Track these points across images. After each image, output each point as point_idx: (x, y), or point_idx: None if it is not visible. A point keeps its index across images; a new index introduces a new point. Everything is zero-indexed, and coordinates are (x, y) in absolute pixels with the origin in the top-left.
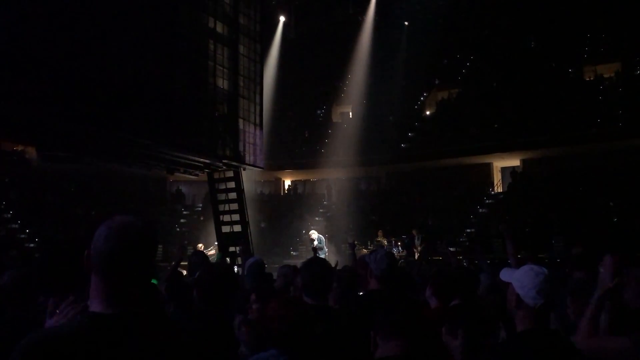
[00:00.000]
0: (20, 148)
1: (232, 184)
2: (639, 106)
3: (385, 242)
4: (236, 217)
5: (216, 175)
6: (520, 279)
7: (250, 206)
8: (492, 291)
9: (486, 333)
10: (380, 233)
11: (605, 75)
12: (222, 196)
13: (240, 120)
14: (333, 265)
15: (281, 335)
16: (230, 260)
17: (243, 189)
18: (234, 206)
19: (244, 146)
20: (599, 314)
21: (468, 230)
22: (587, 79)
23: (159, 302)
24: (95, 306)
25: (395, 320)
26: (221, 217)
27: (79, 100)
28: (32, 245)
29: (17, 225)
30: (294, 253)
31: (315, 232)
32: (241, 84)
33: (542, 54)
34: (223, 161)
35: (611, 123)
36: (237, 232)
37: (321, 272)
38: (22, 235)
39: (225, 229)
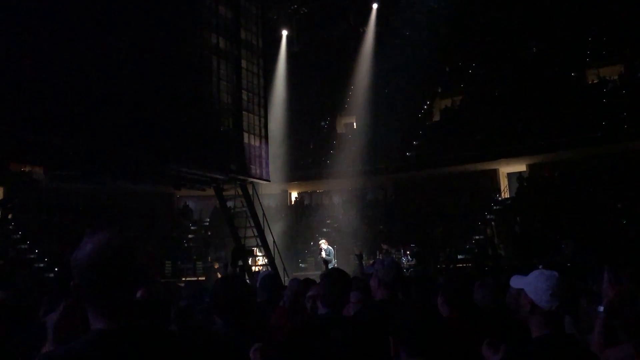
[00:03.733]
0: (27, 169)
1: (243, 196)
2: None
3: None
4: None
5: (226, 190)
6: (533, 283)
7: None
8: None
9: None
10: (384, 246)
11: (609, 78)
12: (242, 218)
13: (245, 134)
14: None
15: (285, 346)
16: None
17: (260, 204)
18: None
19: (250, 159)
20: (609, 326)
21: (476, 237)
22: (591, 83)
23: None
24: (96, 324)
25: (422, 339)
26: (243, 240)
27: (84, 120)
28: (41, 265)
29: (26, 246)
30: (302, 265)
31: (325, 243)
32: (245, 98)
33: (544, 59)
34: (229, 175)
35: (616, 125)
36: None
37: (337, 283)
38: (32, 255)
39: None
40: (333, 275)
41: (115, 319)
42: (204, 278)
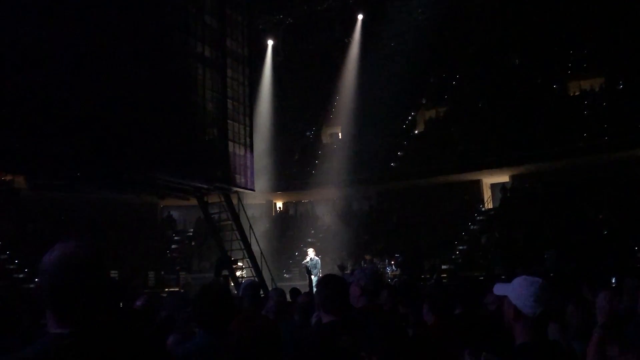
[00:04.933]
0: (8, 178)
1: (227, 205)
2: (623, 120)
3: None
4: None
5: (210, 200)
6: (516, 289)
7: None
8: None
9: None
10: (367, 257)
11: (590, 90)
12: (227, 227)
13: (230, 143)
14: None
15: (240, 351)
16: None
17: (245, 214)
18: (227, 227)
19: (235, 169)
20: (604, 346)
21: (460, 247)
22: (572, 94)
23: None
24: (54, 328)
25: (391, 342)
26: (229, 252)
27: (66, 128)
28: (21, 275)
29: (6, 256)
30: (287, 275)
31: (313, 252)
32: (230, 107)
33: (527, 71)
34: (214, 184)
35: (597, 137)
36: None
37: (338, 288)
38: (12, 266)
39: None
40: (329, 281)
41: (72, 324)
42: (182, 290)
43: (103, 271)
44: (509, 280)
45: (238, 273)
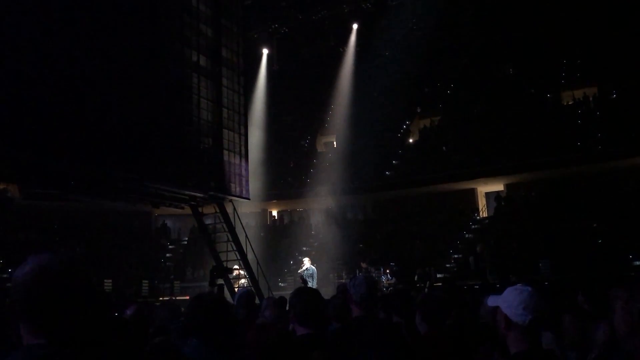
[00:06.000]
0: (2, 186)
1: (221, 214)
2: (616, 129)
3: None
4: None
5: (205, 209)
6: (506, 299)
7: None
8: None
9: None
10: (363, 265)
11: (583, 100)
12: (221, 237)
13: (225, 152)
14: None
15: None
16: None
17: (240, 222)
18: (222, 236)
19: (230, 177)
20: None
21: (455, 256)
22: (566, 104)
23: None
24: (29, 340)
25: (382, 354)
26: (225, 263)
27: (60, 136)
28: None
29: None
30: (282, 284)
31: (309, 262)
32: (225, 115)
33: (520, 81)
34: (209, 193)
35: (591, 146)
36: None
37: (314, 300)
38: (4, 275)
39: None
40: (303, 293)
41: (48, 335)
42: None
43: (80, 281)
44: (503, 289)
45: (241, 281)
